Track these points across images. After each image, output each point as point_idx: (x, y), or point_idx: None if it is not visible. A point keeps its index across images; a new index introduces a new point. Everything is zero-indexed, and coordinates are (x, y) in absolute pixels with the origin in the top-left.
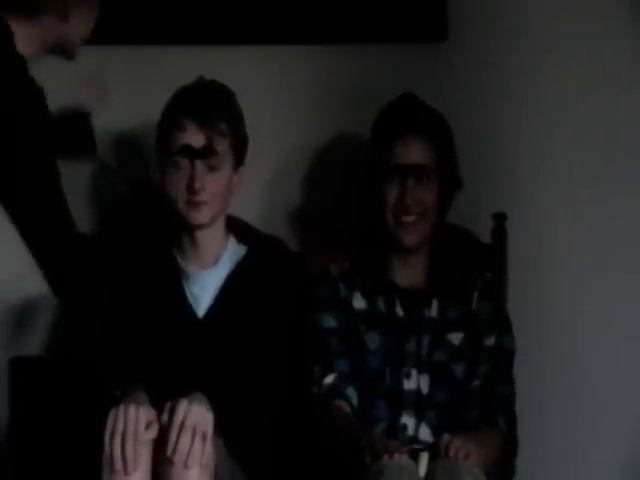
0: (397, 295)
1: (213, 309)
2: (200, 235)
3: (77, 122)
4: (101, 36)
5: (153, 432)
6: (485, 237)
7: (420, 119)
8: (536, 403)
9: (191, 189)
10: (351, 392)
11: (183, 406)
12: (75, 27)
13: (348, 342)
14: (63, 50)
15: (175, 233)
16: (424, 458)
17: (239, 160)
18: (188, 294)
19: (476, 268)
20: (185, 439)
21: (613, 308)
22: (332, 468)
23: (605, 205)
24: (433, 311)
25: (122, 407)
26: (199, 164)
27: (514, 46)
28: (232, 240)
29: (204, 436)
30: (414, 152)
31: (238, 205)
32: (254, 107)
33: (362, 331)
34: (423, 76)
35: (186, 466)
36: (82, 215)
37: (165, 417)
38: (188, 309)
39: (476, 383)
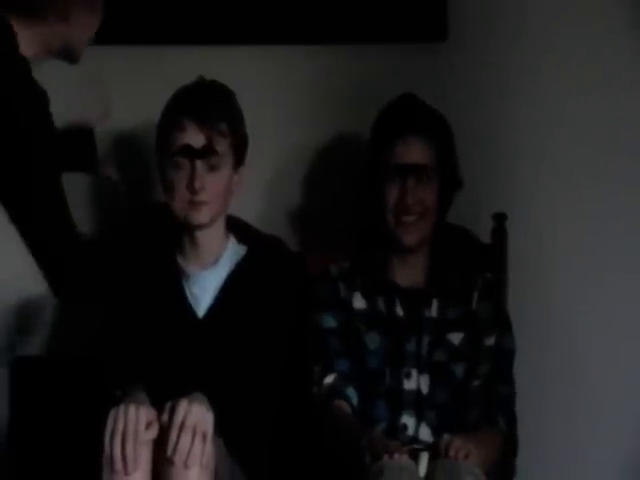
0: (397, 295)
1: (213, 309)
2: (200, 235)
3: (80, 138)
4: (101, 36)
5: (153, 432)
6: (485, 237)
7: (420, 119)
8: (536, 403)
9: (191, 189)
10: (351, 392)
11: (183, 406)
12: (78, 30)
13: (348, 342)
14: (67, 53)
15: (175, 233)
16: (424, 458)
17: (239, 160)
18: (188, 294)
19: (476, 268)
20: (185, 439)
21: (613, 308)
22: (332, 468)
23: (605, 205)
24: (433, 311)
25: (122, 407)
26: (199, 164)
27: (514, 46)
28: (232, 240)
29: (204, 436)
30: (414, 152)
31: (238, 205)
32: (254, 107)
33: (362, 331)
34: (423, 76)
35: (186, 466)
36: (82, 215)
37: (165, 417)
38: (188, 309)
39: (476, 383)
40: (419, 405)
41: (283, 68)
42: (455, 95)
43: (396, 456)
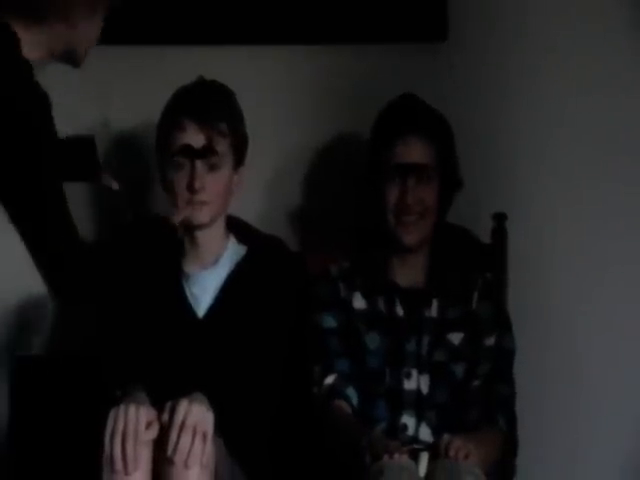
0: (397, 295)
1: (213, 309)
2: (200, 235)
3: (82, 146)
4: (101, 36)
5: (153, 432)
6: (485, 237)
7: (420, 119)
8: (536, 403)
9: (191, 189)
10: (351, 392)
11: (183, 406)
12: (82, 34)
13: (348, 342)
14: (69, 57)
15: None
16: (424, 458)
17: (239, 160)
18: (188, 294)
19: (476, 268)
20: (185, 439)
21: (613, 308)
22: (332, 468)
23: (605, 205)
24: (433, 311)
25: (122, 407)
26: (199, 164)
27: (514, 46)
28: (232, 240)
29: (204, 436)
30: (414, 151)
31: (238, 205)
32: (254, 107)
33: (362, 331)
34: (423, 76)
35: (186, 466)
36: (82, 215)
37: (165, 417)
38: (188, 309)
39: (476, 383)
40: (419, 405)
41: (283, 68)
42: (455, 95)
43: (396, 456)
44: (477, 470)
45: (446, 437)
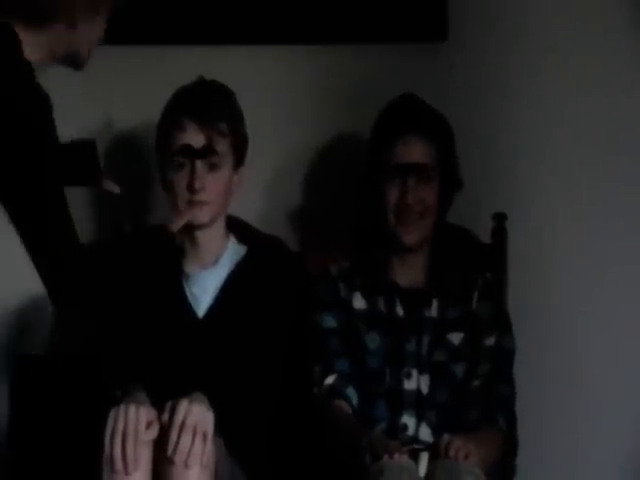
0: (397, 295)
1: (213, 309)
2: (200, 235)
3: (82, 151)
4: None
5: (153, 432)
6: (485, 237)
7: (420, 119)
8: (536, 403)
9: (191, 189)
10: (351, 392)
11: (184, 406)
12: (83, 35)
13: (348, 342)
14: (71, 59)
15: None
16: (424, 458)
17: (239, 160)
18: (188, 294)
19: (476, 268)
20: (186, 439)
21: (613, 308)
22: (332, 468)
23: (605, 205)
24: (433, 311)
25: (122, 407)
26: (199, 164)
27: (514, 46)
28: (232, 240)
29: (205, 436)
30: (414, 151)
31: (238, 205)
32: (254, 107)
33: (362, 331)
34: (423, 76)
35: (187, 466)
36: (82, 216)
37: (166, 417)
38: (188, 309)
39: (476, 383)
40: (419, 405)
41: (283, 68)
42: (455, 95)
43: (396, 456)
44: (477, 470)
45: (446, 437)
